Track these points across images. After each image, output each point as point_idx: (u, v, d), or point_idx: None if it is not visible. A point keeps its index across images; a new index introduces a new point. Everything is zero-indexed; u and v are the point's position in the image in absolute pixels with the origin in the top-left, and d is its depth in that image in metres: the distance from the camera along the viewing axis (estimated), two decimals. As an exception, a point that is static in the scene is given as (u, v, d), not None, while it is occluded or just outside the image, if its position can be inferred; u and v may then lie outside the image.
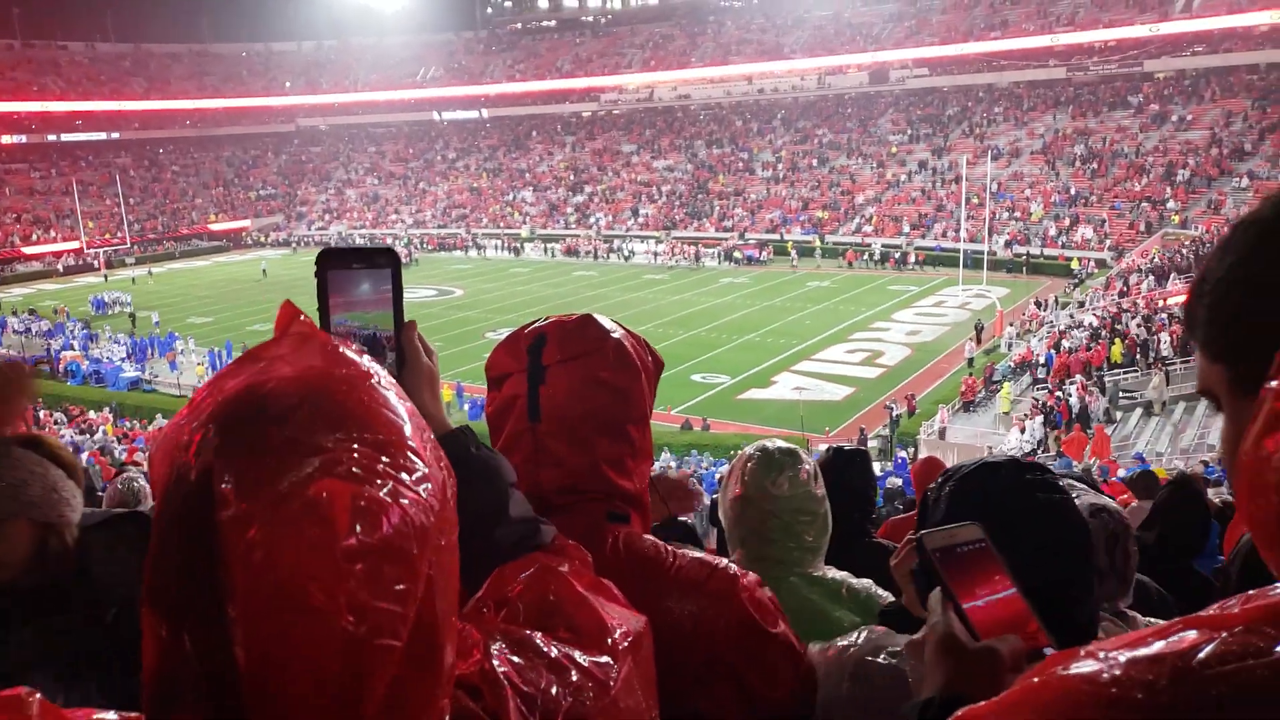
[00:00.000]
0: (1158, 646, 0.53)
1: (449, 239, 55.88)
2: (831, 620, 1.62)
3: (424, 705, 0.63)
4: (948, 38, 57.38)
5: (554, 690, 0.75)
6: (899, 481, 12.83)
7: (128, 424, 24.38)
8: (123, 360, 29.95)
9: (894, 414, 21.85)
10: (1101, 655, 0.55)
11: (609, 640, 0.82)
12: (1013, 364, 24.99)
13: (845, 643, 1.29)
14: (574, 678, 0.77)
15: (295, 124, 74.26)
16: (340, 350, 0.68)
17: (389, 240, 55.57)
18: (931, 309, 33.73)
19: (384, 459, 0.62)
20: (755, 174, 55.68)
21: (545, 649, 0.78)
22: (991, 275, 36.38)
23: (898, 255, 42.61)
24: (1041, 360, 24.44)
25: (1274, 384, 0.56)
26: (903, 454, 20.31)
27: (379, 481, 0.61)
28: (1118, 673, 0.53)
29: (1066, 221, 41.81)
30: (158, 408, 24.74)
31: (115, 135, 65.70)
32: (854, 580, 1.75)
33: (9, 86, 62.26)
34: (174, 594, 0.59)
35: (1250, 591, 0.56)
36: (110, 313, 38.12)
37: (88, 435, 22.09)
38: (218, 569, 0.57)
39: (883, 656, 1.22)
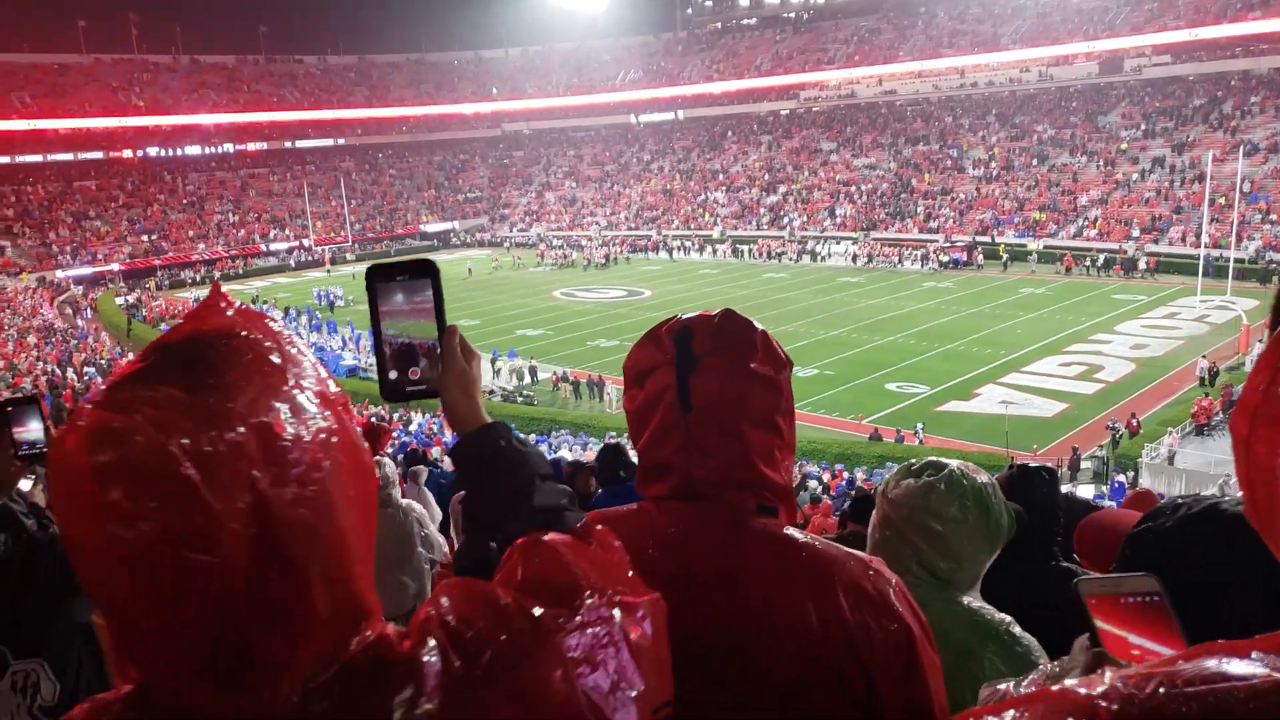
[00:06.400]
0: (1164, 668, 0.53)
1: (640, 240, 56.46)
2: (965, 652, 1.52)
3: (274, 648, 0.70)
4: (1196, 20, 51.45)
5: (491, 632, 0.76)
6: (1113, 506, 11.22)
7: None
8: (341, 349, 32.13)
9: (1116, 434, 19.55)
10: (1115, 671, 0.55)
11: (577, 601, 0.81)
12: (1263, 385, 21.75)
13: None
14: (516, 623, 0.77)
15: (501, 129, 77.58)
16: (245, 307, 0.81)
17: (582, 241, 57.01)
18: (1162, 321, 30.20)
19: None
20: (965, 172, 52.35)
21: (496, 597, 0.79)
22: (1237, 285, 32.16)
23: (1124, 261, 38.66)
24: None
25: None
26: (1120, 478, 18.22)
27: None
28: (1116, 685, 0.53)
29: (1337, 224, 36.37)
30: (369, 394, 26.19)
31: (341, 141, 71.27)
32: (995, 614, 1.64)
33: (254, 98, 69.08)
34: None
35: None
36: (328, 304, 41.06)
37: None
38: None
39: None
